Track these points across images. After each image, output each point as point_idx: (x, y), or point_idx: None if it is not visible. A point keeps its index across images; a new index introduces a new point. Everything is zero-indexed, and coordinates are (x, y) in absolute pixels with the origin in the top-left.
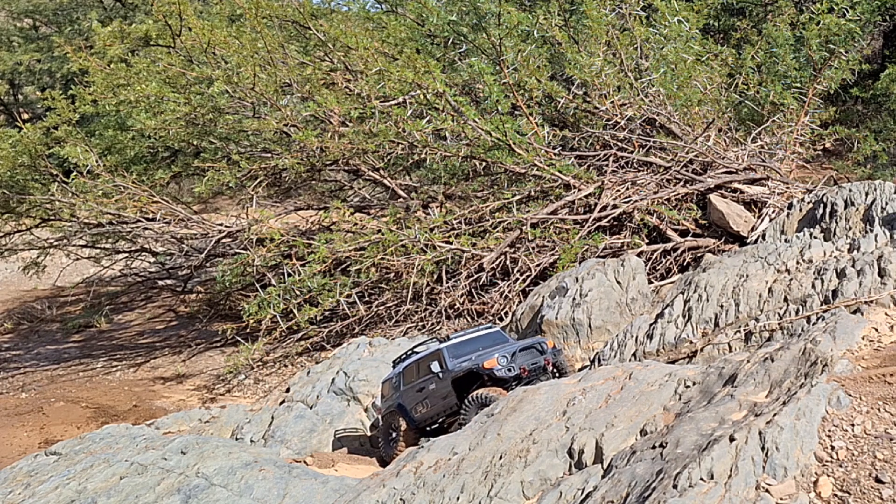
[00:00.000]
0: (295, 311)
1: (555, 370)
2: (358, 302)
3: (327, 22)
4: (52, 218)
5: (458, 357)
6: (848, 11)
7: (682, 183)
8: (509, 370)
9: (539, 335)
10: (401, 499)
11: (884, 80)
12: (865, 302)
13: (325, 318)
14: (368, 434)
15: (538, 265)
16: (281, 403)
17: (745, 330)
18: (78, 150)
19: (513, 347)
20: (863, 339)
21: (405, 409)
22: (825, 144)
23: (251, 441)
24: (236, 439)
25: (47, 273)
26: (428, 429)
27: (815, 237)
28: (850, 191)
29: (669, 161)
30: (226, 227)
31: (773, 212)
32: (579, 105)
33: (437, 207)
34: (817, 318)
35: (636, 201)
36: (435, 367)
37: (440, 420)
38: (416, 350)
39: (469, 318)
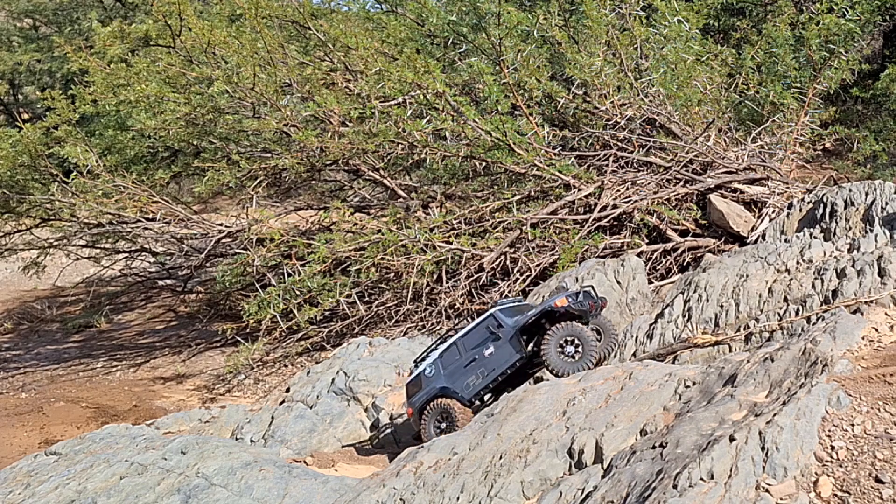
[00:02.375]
0: (295, 311)
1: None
2: (358, 302)
3: (327, 22)
4: (52, 218)
5: (511, 317)
6: (848, 11)
7: (682, 183)
8: (581, 304)
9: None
10: (401, 499)
11: (884, 80)
12: (865, 302)
13: (325, 318)
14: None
15: (538, 265)
16: (281, 403)
17: (745, 330)
18: (78, 150)
19: (565, 294)
20: (863, 339)
21: (451, 389)
22: (825, 144)
23: (251, 441)
24: (236, 439)
25: (47, 273)
26: (480, 401)
27: (815, 237)
28: (850, 191)
29: (669, 161)
30: (226, 227)
31: (773, 212)
32: (579, 105)
33: (437, 207)
34: (817, 318)
35: (636, 201)
36: (491, 329)
37: (501, 380)
38: (441, 342)
39: (469, 319)
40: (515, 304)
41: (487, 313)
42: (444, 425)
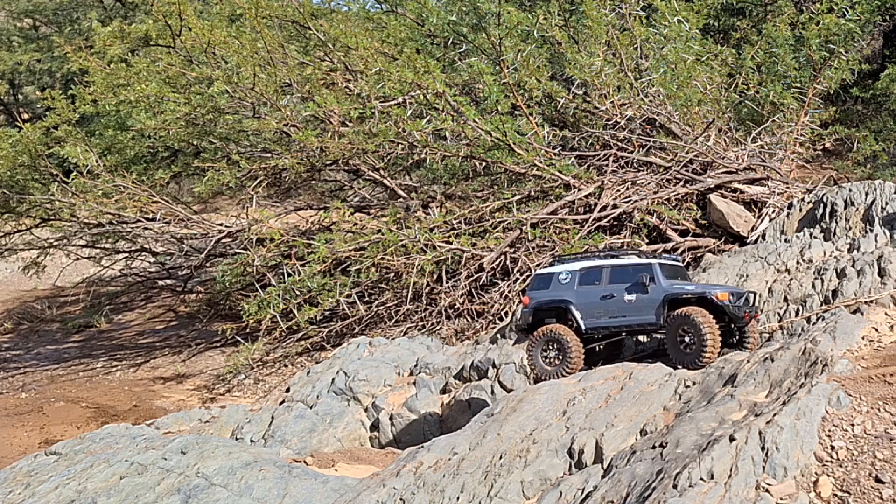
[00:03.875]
0: (295, 311)
1: (745, 335)
2: (358, 302)
3: (327, 22)
4: (52, 218)
5: (668, 279)
6: (848, 11)
7: (682, 183)
8: (737, 308)
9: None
10: (401, 499)
11: (884, 80)
12: (865, 302)
13: (325, 318)
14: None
15: (538, 265)
16: (281, 403)
17: None
18: (78, 150)
19: (729, 289)
20: (863, 338)
21: (574, 309)
22: (825, 144)
23: (251, 441)
24: (236, 439)
25: (47, 273)
26: (592, 344)
27: (815, 237)
28: (850, 191)
29: (669, 161)
30: (226, 227)
31: (773, 212)
32: (579, 105)
33: (437, 207)
34: (817, 318)
35: (636, 201)
36: (643, 279)
37: (617, 335)
38: (593, 254)
39: (469, 318)
40: (675, 265)
41: (648, 260)
42: (551, 354)
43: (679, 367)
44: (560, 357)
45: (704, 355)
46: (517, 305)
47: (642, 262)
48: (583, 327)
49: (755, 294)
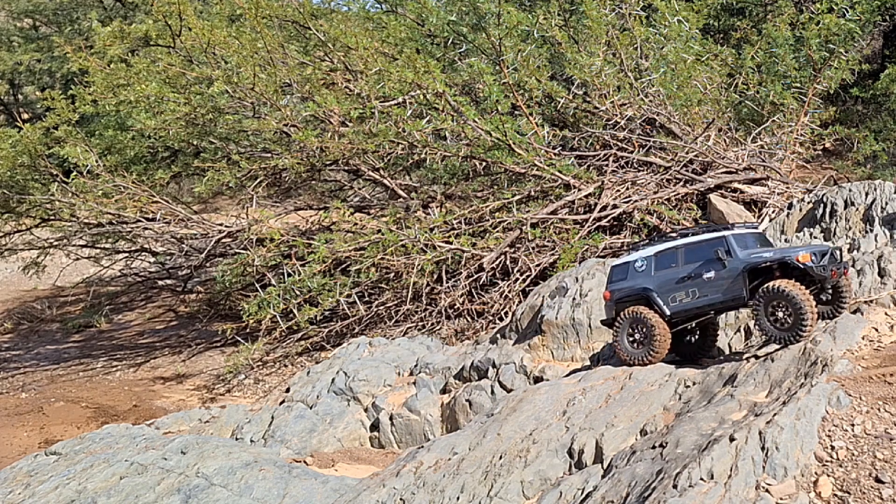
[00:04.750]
0: (295, 311)
1: (840, 291)
2: (358, 302)
3: (327, 22)
4: (52, 218)
5: (744, 249)
6: (848, 11)
7: (682, 183)
8: (822, 269)
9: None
10: (401, 499)
11: (884, 80)
12: (865, 302)
13: (325, 318)
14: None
15: (538, 265)
16: (281, 403)
17: (745, 329)
18: (78, 150)
19: (811, 249)
20: (863, 338)
21: (654, 295)
22: (825, 144)
23: (251, 441)
24: (236, 439)
25: (47, 273)
26: (681, 326)
27: (815, 237)
28: (850, 191)
29: (669, 161)
30: (226, 227)
31: (773, 212)
32: (579, 105)
33: (437, 207)
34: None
35: (636, 201)
36: (720, 254)
37: (707, 313)
38: (662, 238)
39: (469, 318)
40: (751, 232)
41: (720, 233)
42: (637, 336)
43: (777, 342)
44: (645, 340)
45: (804, 328)
46: (517, 305)
47: (715, 235)
48: (667, 312)
49: (840, 249)
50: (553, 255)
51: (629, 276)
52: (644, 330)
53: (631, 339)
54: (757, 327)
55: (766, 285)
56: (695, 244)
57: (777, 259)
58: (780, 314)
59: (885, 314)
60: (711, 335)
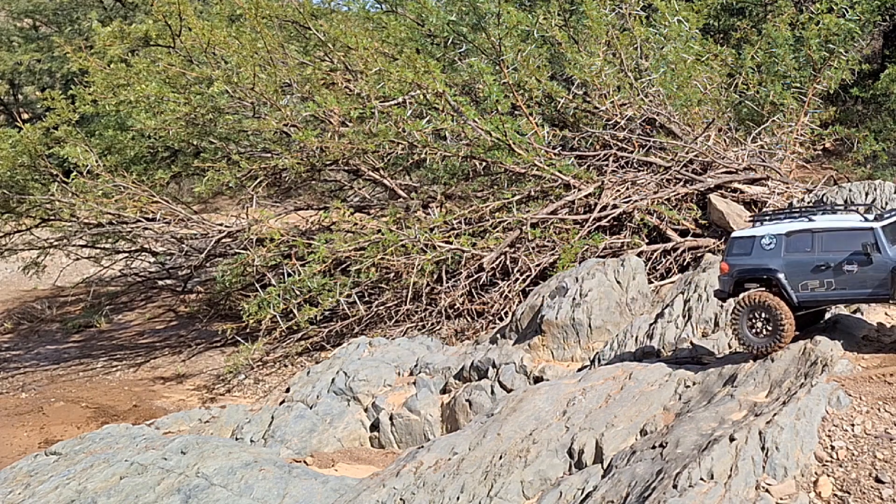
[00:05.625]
0: (295, 311)
1: None
2: (358, 302)
3: (327, 22)
4: (52, 218)
5: (893, 244)
6: (848, 11)
7: (682, 183)
8: None
9: None
10: (401, 499)
11: (884, 80)
12: None
13: (325, 318)
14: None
15: (538, 265)
16: (281, 403)
17: None
18: (78, 150)
19: None
20: (863, 338)
21: (781, 279)
22: (825, 144)
23: (251, 441)
24: (236, 439)
25: (47, 273)
26: (805, 312)
27: None
28: (850, 191)
29: (669, 161)
30: (226, 227)
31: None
32: (579, 105)
33: (437, 207)
34: None
35: (636, 201)
36: (866, 247)
37: (833, 305)
38: (801, 212)
39: (469, 318)
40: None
41: (869, 224)
42: (759, 325)
43: None
44: (769, 328)
45: None
46: (517, 305)
47: (862, 226)
48: (795, 300)
49: None
50: (553, 255)
51: (754, 251)
52: (767, 318)
53: (752, 327)
54: None
55: None
56: (834, 231)
57: None
58: None
59: (885, 314)
60: (817, 320)
